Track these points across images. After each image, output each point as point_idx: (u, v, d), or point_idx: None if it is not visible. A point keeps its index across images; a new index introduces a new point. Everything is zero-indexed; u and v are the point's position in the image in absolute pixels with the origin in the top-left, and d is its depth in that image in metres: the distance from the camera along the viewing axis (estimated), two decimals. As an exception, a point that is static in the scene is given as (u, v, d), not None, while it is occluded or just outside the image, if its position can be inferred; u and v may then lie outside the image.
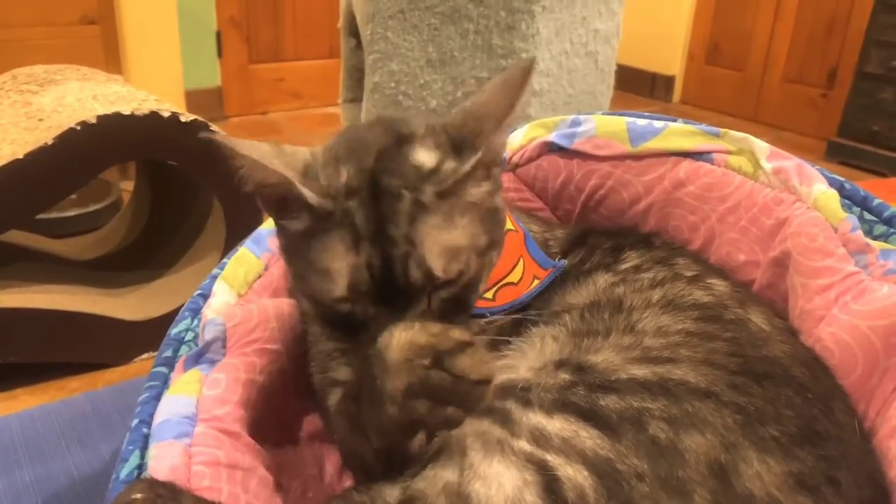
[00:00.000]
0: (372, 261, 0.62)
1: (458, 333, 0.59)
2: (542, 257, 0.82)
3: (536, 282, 0.79)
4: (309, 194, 0.63)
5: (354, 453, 0.70)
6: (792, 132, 3.51)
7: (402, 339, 0.59)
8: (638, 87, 4.14)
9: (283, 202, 0.66)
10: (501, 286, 0.77)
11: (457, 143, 0.67)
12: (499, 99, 0.67)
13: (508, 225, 0.81)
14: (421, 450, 0.63)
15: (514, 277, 0.78)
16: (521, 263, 0.79)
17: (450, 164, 0.65)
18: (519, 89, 0.66)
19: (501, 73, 0.69)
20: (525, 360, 0.68)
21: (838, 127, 3.17)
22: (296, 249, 0.68)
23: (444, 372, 0.57)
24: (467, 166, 0.65)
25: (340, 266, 0.63)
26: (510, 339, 0.73)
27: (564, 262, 0.82)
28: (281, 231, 0.71)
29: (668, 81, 4.12)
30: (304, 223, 0.65)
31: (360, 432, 0.66)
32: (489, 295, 0.76)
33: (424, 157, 0.66)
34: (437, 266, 0.63)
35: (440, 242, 0.63)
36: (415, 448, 0.64)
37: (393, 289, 0.63)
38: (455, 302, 0.66)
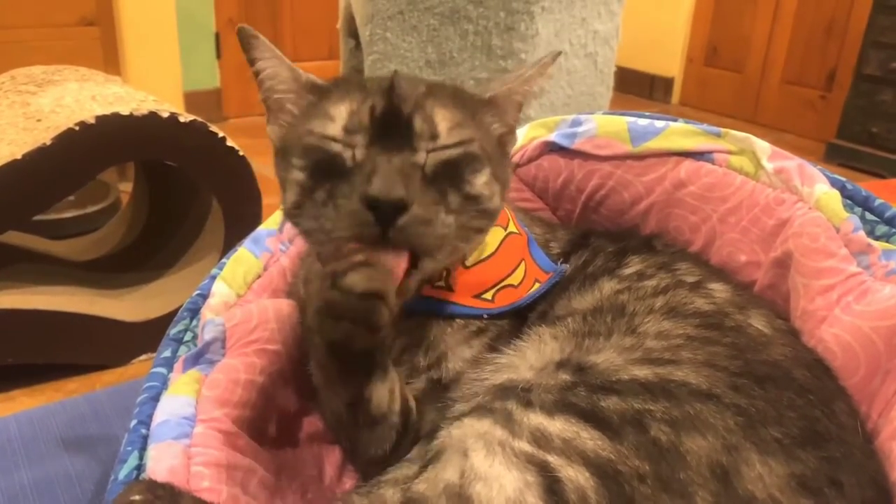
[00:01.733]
0: (375, 104, 0.66)
1: (359, 256, 0.60)
2: (545, 261, 0.81)
3: (537, 285, 0.79)
4: (314, 77, 0.72)
5: (333, 413, 0.72)
6: (791, 134, 3.52)
7: (320, 272, 0.64)
8: (637, 88, 4.15)
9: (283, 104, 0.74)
10: (501, 288, 0.77)
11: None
12: (528, 70, 0.75)
13: (512, 227, 0.80)
14: (381, 408, 0.67)
15: (514, 280, 0.78)
16: (522, 266, 0.79)
17: (470, 92, 0.74)
18: (544, 66, 0.75)
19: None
20: (525, 360, 0.68)
21: (837, 129, 3.17)
22: (294, 126, 0.72)
23: (336, 290, 0.59)
24: (486, 94, 0.73)
25: (341, 109, 0.67)
26: (510, 339, 0.73)
27: (566, 266, 0.82)
28: (282, 131, 0.75)
29: (667, 83, 4.13)
30: (308, 99, 0.72)
31: (329, 385, 0.69)
32: (488, 296, 0.76)
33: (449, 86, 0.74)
34: (442, 126, 0.67)
35: (448, 114, 0.68)
36: (373, 406, 0.67)
37: (390, 134, 0.65)
38: (450, 171, 0.67)
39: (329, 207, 0.65)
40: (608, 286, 0.76)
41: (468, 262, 0.76)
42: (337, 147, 0.66)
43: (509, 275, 0.77)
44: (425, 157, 0.66)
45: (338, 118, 0.66)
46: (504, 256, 0.77)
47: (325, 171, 0.66)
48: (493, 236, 0.77)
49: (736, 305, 0.72)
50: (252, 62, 0.73)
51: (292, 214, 0.70)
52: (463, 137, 0.67)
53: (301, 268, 0.88)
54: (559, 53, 0.74)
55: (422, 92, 0.69)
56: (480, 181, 0.69)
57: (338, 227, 0.63)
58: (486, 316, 0.75)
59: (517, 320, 0.77)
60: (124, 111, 1.36)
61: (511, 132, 0.78)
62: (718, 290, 0.75)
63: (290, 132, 0.72)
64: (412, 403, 0.72)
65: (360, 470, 0.78)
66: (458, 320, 0.75)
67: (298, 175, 0.68)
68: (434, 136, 0.66)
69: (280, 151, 0.74)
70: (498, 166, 0.72)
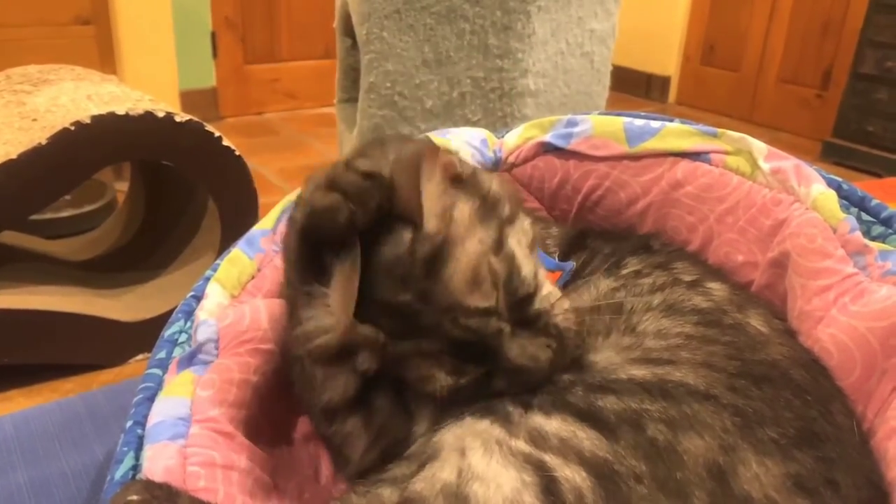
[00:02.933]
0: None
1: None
2: (545, 258, 0.81)
3: None
4: None
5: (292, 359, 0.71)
6: (787, 133, 3.52)
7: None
8: (633, 87, 4.15)
9: None
10: None
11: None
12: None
13: None
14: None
15: None
16: None
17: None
18: None
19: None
20: None
21: (833, 127, 3.17)
22: None
23: (342, 168, 0.63)
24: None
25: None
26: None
27: (572, 264, 0.81)
28: None
29: (664, 82, 4.13)
30: None
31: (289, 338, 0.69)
32: None
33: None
34: (465, 294, 0.62)
35: (459, 281, 0.62)
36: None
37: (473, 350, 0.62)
38: (518, 308, 0.64)
39: None
40: (604, 284, 0.76)
41: None
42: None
43: None
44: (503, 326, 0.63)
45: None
46: None
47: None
48: None
49: (734, 304, 0.72)
50: None
51: None
52: (488, 279, 0.63)
53: None
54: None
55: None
56: (529, 280, 0.65)
57: None
58: None
59: None
60: (120, 111, 1.36)
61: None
62: (716, 288, 0.75)
63: None
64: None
65: (325, 441, 0.77)
66: None
67: None
68: (466, 309, 0.62)
69: None
70: (496, 231, 0.66)
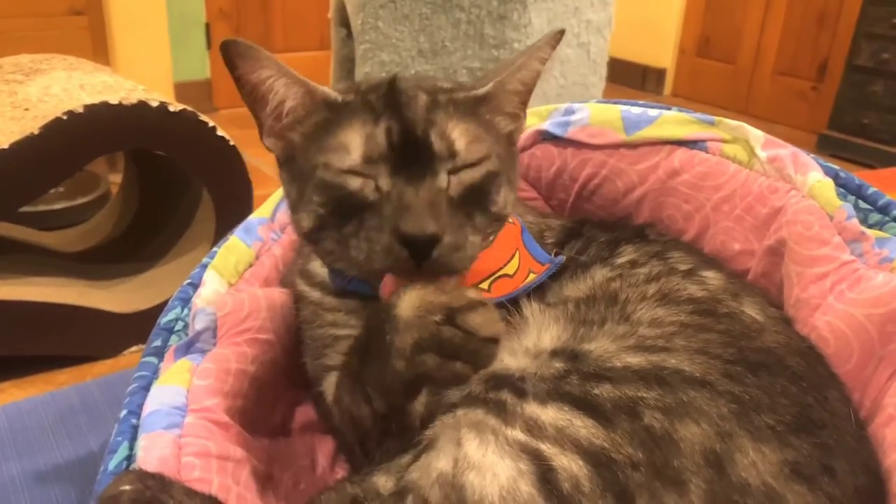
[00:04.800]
0: (391, 127, 0.66)
1: (472, 293, 0.61)
2: (539, 251, 0.81)
3: (532, 275, 0.78)
4: (328, 91, 0.69)
5: (353, 418, 0.70)
6: (782, 125, 3.52)
7: (413, 296, 0.61)
8: (629, 79, 4.14)
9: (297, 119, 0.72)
10: (497, 278, 0.76)
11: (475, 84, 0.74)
12: (518, 57, 0.74)
13: None
14: (418, 417, 0.65)
15: (509, 269, 0.77)
16: (517, 256, 0.78)
17: (464, 91, 0.72)
18: (538, 50, 0.74)
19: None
20: (521, 345, 0.67)
21: (829, 120, 3.17)
22: (305, 148, 0.71)
23: (455, 328, 0.59)
24: (481, 91, 0.71)
25: (356, 136, 0.66)
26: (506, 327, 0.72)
27: (562, 258, 0.81)
28: (288, 145, 0.73)
29: (660, 74, 4.13)
30: (321, 116, 0.70)
31: (360, 393, 0.67)
32: (485, 286, 0.76)
33: (441, 82, 0.72)
34: (460, 142, 0.67)
35: (460, 126, 0.68)
36: (414, 416, 0.65)
37: (411, 161, 0.65)
38: (475, 192, 0.68)
39: (358, 239, 0.66)
40: (600, 273, 0.76)
41: None
42: (357, 182, 0.66)
43: (505, 265, 0.77)
44: (447, 179, 0.66)
45: (353, 148, 0.66)
46: (499, 246, 0.77)
47: (349, 205, 0.66)
48: None
49: (729, 293, 0.72)
50: (254, 78, 0.74)
51: (311, 238, 0.71)
52: (482, 154, 0.68)
53: (298, 257, 0.87)
54: (561, 33, 0.74)
55: (427, 102, 0.68)
56: (501, 198, 0.71)
57: (371, 259, 0.65)
58: None
59: (512, 308, 0.77)
60: (113, 100, 1.35)
61: (518, 127, 0.77)
62: (711, 277, 0.75)
63: (302, 154, 0.71)
64: None
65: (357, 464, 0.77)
66: None
67: (318, 209, 0.68)
68: (453, 154, 0.66)
69: (287, 165, 0.74)
70: (510, 170, 0.74)
